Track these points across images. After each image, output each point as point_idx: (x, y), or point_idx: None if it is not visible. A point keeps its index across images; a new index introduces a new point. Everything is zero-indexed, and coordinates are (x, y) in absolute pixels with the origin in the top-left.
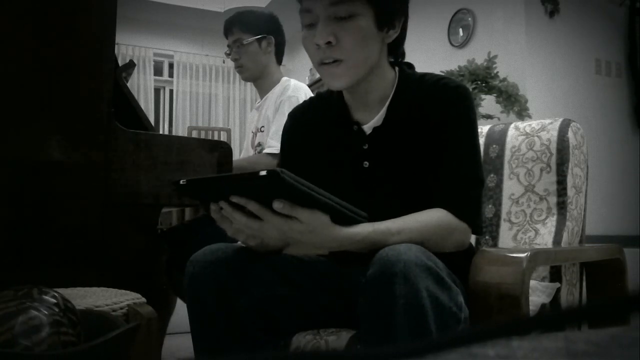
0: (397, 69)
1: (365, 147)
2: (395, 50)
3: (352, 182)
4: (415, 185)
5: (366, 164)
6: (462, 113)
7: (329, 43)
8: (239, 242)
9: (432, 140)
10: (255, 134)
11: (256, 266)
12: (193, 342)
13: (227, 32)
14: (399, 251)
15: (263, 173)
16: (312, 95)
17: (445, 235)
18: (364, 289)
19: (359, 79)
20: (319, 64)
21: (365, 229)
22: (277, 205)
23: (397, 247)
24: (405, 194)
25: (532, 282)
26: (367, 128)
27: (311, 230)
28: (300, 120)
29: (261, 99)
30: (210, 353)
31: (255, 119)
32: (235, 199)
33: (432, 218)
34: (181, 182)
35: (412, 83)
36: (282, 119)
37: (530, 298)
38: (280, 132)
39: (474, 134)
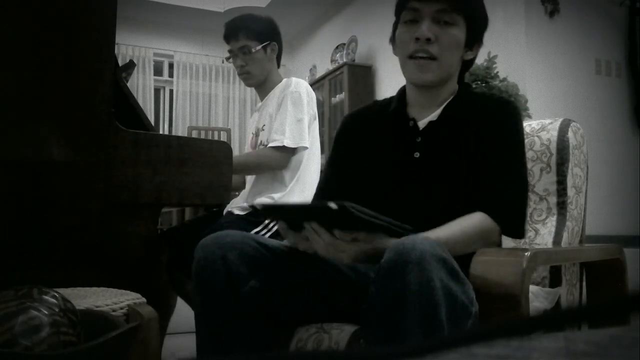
0: (457, 84)
1: (418, 139)
2: (463, 71)
3: (402, 172)
4: (461, 180)
5: (417, 154)
6: (513, 124)
7: (428, 40)
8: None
9: (481, 143)
10: (257, 134)
11: (265, 254)
12: (196, 328)
13: (231, 37)
14: (414, 241)
15: (334, 207)
16: (312, 91)
17: (484, 238)
18: (376, 275)
19: (441, 79)
20: (409, 57)
21: None
22: (338, 234)
23: (414, 237)
24: (452, 187)
25: (535, 288)
26: (422, 123)
27: (373, 247)
28: (356, 120)
29: (261, 100)
30: (213, 339)
31: (256, 120)
32: (314, 226)
33: (476, 225)
34: (257, 206)
35: (470, 93)
36: (285, 114)
37: (533, 304)
38: (285, 127)
39: (523, 145)
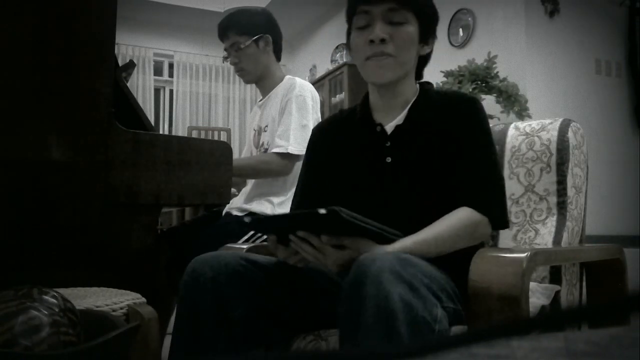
0: (417, 84)
1: (388, 144)
2: (421, 67)
3: (376, 178)
4: (434, 180)
5: (389, 159)
6: (478, 119)
7: (383, 40)
8: (239, 244)
9: (450, 140)
10: (259, 133)
11: (256, 275)
12: (172, 345)
13: (222, 36)
14: (374, 257)
15: (323, 212)
16: (317, 94)
17: (471, 231)
18: (343, 288)
19: (399, 76)
20: (367, 59)
21: (406, 244)
22: (325, 239)
23: (377, 251)
24: (426, 188)
25: (532, 284)
26: (389, 128)
27: (359, 254)
28: (324, 131)
29: (263, 97)
30: (193, 348)
31: (258, 117)
32: (301, 234)
33: (460, 219)
34: (245, 219)
35: (432, 93)
36: (290, 119)
37: (530, 300)
38: (289, 133)
39: (491, 137)
